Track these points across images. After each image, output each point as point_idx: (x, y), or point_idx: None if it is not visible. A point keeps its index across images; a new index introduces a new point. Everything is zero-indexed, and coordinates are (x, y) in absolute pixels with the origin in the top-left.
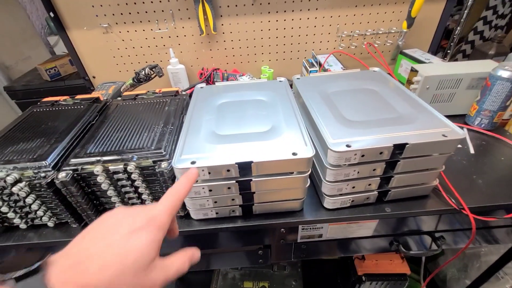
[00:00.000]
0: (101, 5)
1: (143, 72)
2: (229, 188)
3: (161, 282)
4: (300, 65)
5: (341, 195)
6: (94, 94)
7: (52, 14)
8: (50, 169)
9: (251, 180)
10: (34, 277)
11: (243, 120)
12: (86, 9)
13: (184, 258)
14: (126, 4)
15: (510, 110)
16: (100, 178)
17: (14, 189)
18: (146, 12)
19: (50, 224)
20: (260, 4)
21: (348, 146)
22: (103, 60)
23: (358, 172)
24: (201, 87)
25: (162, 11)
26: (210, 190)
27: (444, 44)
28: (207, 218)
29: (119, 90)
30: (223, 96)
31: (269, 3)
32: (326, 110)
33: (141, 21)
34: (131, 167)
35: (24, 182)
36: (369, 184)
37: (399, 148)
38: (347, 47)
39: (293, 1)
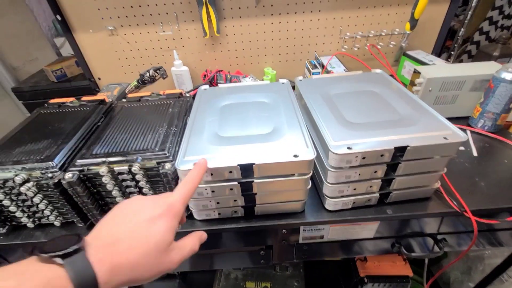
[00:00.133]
0: (107, 8)
1: (148, 74)
2: (231, 189)
3: (178, 261)
4: (303, 66)
5: (342, 196)
6: (99, 96)
7: (59, 17)
8: (57, 169)
9: (253, 181)
10: (77, 255)
11: (245, 122)
12: (92, 12)
13: (195, 239)
14: (131, 7)
15: None
16: (105, 179)
17: (22, 189)
18: (151, 15)
19: (57, 223)
20: (263, 6)
21: (349, 148)
22: (109, 62)
23: (359, 174)
24: (204, 89)
25: (167, 13)
26: (213, 191)
27: (449, 44)
28: (209, 219)
29: (124, 92)
30: (226, 98)
31: (272, 5)
32: (328, 112)
33: (146, 24)
34: (135, 168)
35: (32, 182)
36: (370, 186)
37: (400, 150)
38: (350, 49)
39: (296, 3)
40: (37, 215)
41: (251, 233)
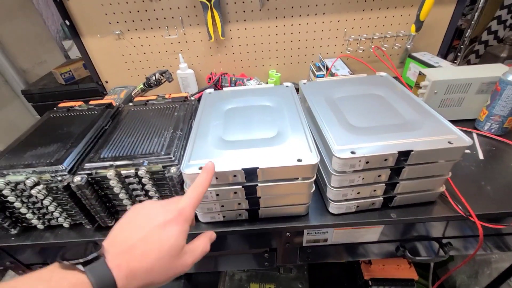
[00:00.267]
0: (114, 13)
1: (154, 77)
2: (235, 192)
3: (191, 263)
4: (307, 69)
5: (346, 200)
6: (106, 100)
7: (67, 22)
8: (66, 173)
9: (256, 185)
10: (97, 262)
11: (249, 125)
12: (100, 17)
13: (206, 240)
14: (138, 11)
15: None
16: (113, 182)
17: (33, 191)
18: (157, 19)
19: (66, 224)
20: (268, 9)
21: (352, 152)
22: (115, 65)
23: (363, 178)
24: (209, 93)
25: (172, 18)
26: (217, 195)
27: (456, 44)
28: (214, 221)
29: (131, 95)
30: (230, 102)
31: (276, 9)
32: (332, 116)
33: (152, 28)
34: (141, 171)
35: (42, 185)
36: (374, 190)
37: (404, 155)
38: (355, 51)
39: (300, 6)
40: (46, 216)
41: (255, 235)
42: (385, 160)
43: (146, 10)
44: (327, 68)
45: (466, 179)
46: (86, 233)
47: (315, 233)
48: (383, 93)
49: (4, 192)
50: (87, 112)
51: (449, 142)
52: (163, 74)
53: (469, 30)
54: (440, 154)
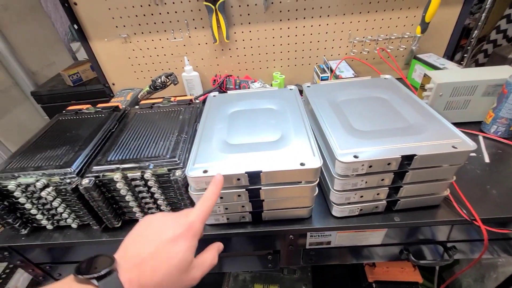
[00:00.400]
0: (121, 17)
1: (159, 80)
2: (239, 195)
3: (199, 277)
4: (311, 71)
5: (349, 203)
6: (113, 102)
7: (76, 26)
8: (74, 175)
9: (260, 188)
10: (110, 277)
11: (253, 129)
12: (107, 20)
13: (214, 253)
14: (144, 15)
15: None
16: (119, 185)
17: (43, 193)
18: (163, 22)
19: (74, 225)
20: (272, 12)
21: (355, 157)
22: (122, 68)
23: (366, 182)
24: (214, 96)
25: (178, 21)
26: (221, 197)
27: (464, 43)
28: (218, 224)
29: (137, 97)
30: (235, 105)
31: (280, 11)
32: (335, 119)
33: (157, 31)
34: (147, 174)
35: (51, 187)
36: (378, 194)
37: (407, 159)
38: (359, 53)
39: (305, 9)
40: (55, 217)
41: (258, 237)
42: (388, 164)
43: (152, 14)
44: (331, 70)
45: (471, 182)
46: (94, 233)
47: (318, 235)
48: (387, 96)
49: (15, 193)
50: (94, 115)
51: (453, 147)
52: (169, 77)
53: (476, 31)
54: (444, 159)
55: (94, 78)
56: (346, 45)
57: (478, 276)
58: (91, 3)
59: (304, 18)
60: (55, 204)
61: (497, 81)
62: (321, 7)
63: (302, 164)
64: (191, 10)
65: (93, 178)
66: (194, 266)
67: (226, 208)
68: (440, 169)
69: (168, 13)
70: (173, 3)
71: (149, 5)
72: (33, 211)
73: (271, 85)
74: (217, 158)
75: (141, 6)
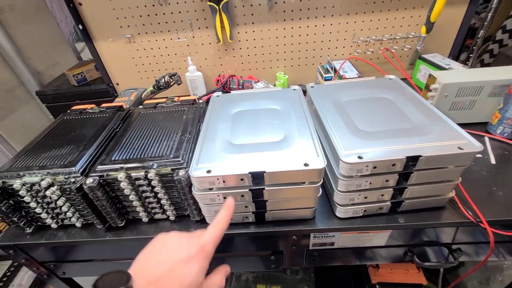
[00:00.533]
0: (125, 17)
1: (163, 80)
2: (242, 196)
3: None
4: (315, 71)
5: (353, 204)
6: (117, 102)
7: (80, 27)
8: (79, 174)
9: (263, 189)
10: None
11: (257, 129)
12: (111, 21)
13: (222, 276)
14: (148, 15)
15: None
16: (123, 184)
17: (47, 192)
18: (166, 22)
19: (78, 224)
20: (276, 12)
21: (359, 157)
22: (126, 68)
23: (370, 183)
24: (217, 96)
25: (181, 21)
26: (225, 198)
27: (469, 42)
28: None
29: (141, 97)
30: (238, 105)
31: (284, 11)
32: (339, 120)
33: (161, 31)
34: (151, 174)
35: (56, 186)
36: (382, 195)
37: (412, 160)
38: (363, 53)
39: (309, 9)
40: (60, 216)
41: (261, 238)
42: (393, 165)
43: (156, 14)
44: (335, 70)
45: (477, 184)
46: (98, 232)
47: (322, 236)
48: (392, 96)
49: (20, 192)
50: (98, 115)
51: (459, 148)
52: (172, 77)
53: (481, 31)
54: (449, 160)
55: (98, 78)
56: (350, 45)
57: (483, 279)
58: (96, 4)
59: (308, 18)
60: (59, 203)
61: (503, 81)
62: (325, 7)
63: (306, 165)
64: (195, 10)
65: (97, 178)
66: (204, 286)
67: None
68: (446, 170)
69: (172, 13)
70: (177, 3)
71: (153, 5)
72: (38, 210)
73: (275, 85)
74: (220, 158)
75: (145, 6)
